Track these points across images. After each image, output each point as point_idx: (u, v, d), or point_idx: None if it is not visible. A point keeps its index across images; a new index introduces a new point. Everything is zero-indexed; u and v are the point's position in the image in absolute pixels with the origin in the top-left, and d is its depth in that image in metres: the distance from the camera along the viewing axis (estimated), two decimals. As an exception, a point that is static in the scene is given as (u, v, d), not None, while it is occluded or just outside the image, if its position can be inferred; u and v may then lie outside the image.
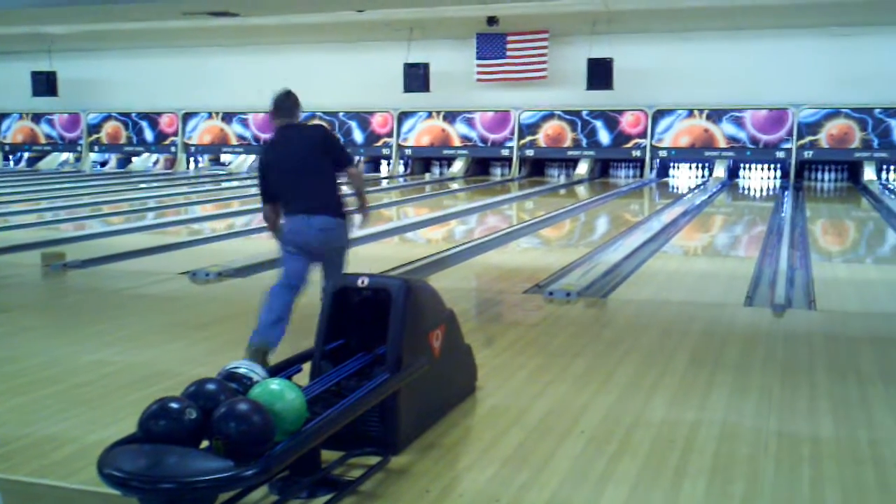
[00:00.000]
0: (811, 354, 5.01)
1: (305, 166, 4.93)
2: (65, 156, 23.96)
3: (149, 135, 23.00)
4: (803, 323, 5.87)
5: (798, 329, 5.67)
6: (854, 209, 14.33)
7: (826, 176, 18.23)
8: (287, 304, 4.86)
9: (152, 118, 22.93)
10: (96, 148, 23.54)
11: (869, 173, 17.33)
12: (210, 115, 22.38)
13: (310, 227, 4.86)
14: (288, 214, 4.98)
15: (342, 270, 4.93)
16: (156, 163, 23.16)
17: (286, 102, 5.11)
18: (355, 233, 5.29)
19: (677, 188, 17.54)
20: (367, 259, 6.80)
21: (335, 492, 3.05)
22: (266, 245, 9.80)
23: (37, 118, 24.01)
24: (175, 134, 22.70)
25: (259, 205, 5.21)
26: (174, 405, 2.65)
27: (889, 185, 16.81)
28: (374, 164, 21.12)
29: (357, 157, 20.51)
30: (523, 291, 6.87)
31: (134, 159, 23.20)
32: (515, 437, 3.66)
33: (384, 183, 18.47)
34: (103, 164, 23.58)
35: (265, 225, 5.24)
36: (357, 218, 5.22)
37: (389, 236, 10.38)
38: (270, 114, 5.10)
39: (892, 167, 17.68)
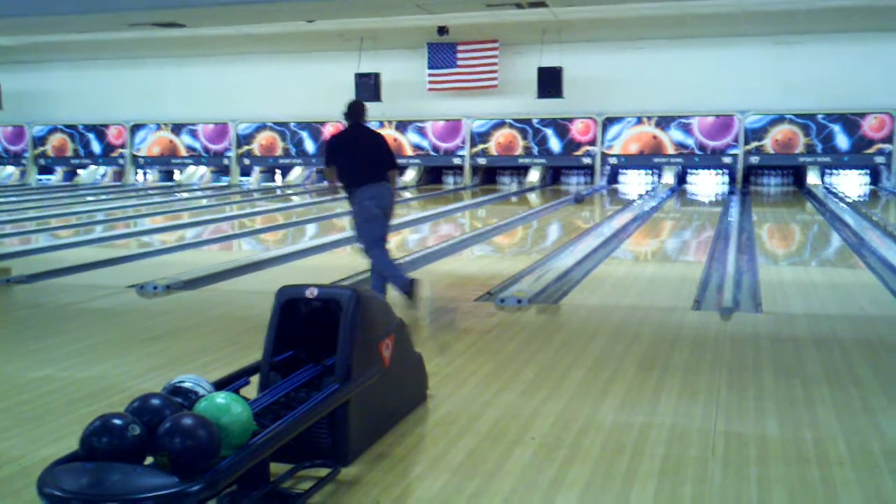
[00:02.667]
0: (758, 356, 5.09)
1: (370, 156, 6.62)
2: (9, 169, 23.51)
3: (96, 147, 22.67)
4: (750, 325, 5.96)
5: (745, 332, 5.75)
6: (799, 213, 14.60)
7: (772, 181, 18.59)
8: (388, 255, 6.63)
9: (100, 130, 22.61)
10: (42, 161, 23.13)
11: (813, 178, 17.71)
12: (159, 127, 22.12)
13: (384, 191, 6.57)
14: (361, 185, 6.51)
15: (388, 230, 6.73)
16: (104, 175, 22.81)
17: (357, 107, 6.77)
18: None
19: (627, 194, 17.72)
20: (318, 269, 6.77)
21: (285, 505, 3.02)
22: (215, 257, 9.74)
23: (-20, 131, 23.55)
24: (123, 146, 22.40)
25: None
26: (117, 421, 2.60)
27: (832, 189, 17.17)
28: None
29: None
30: (475, 299, 6.89)
31: (81, 172, 22.83)
32: (467, 444, 3.66)
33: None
34: (47, 170, 23.11)
35: (324, 185, 6.85)
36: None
37: (341, 246, 10.34)
38: (344, 114, 6.75)
39: (834, 171, 18.08)
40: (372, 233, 6.59)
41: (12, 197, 17.93)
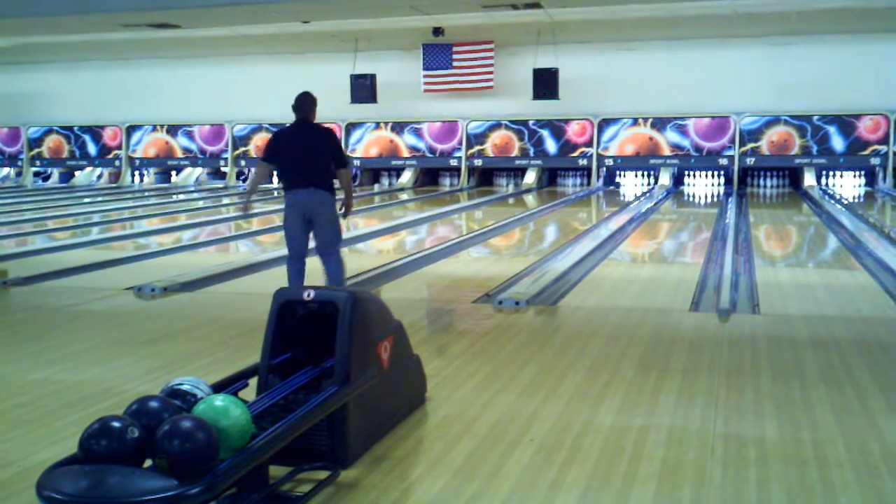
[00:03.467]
0: (755, 358, 5.09)
1: (314, 155, 6.42)
2: (5, 170, 23.47)
3: (92, 148, 22.63)
4: (748, 327, 5.96)
5: (742, 333, 5.76)
6: (795, 214, 14.63)
7: (768, 182, 18.61)
8: (301, 272, 6.54)
9: (95, 132, 22.57)
10: (38, 162, 23.08)
11: (809, 179, 17.73)
12: (155, 128, 22.09)
13: (312, 198, 6.37)
14: (291, 188, 6.40)
15: (333, 232, 6.52)
16: (100, 177, 22.79)
17: (305, 102, 6.54)
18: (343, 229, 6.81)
19: (624, 196, 17.73)
20: (315, 271, 6.76)
21: (284, 508, 3.02)
22: (212, 259, 9.72)
23: (-25, 133, 23.50)
24: (119, 147, 22.37)
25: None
26: (115, 424, 2.59)
27: (829, 191, 17.20)
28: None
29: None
30: (473, 301, 6.88)
31: (77, 173, 22.80)
32: (465, 447, 3.65)
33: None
34: (45, 177, 23.12)
35: (247, 186, 6.64)
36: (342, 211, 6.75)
37: (338, 248, 10.32)
38: (293, 107, 6.56)
39: (830, 173, 18.11)
40: (287, 240, 6.59)
41: (9, 199, 17.89)
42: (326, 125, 6.90)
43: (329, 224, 6.51)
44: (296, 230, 6.48)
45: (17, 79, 22.05)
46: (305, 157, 6.42)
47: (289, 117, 6.68)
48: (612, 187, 19.03)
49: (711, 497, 3.17)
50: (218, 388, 3.27)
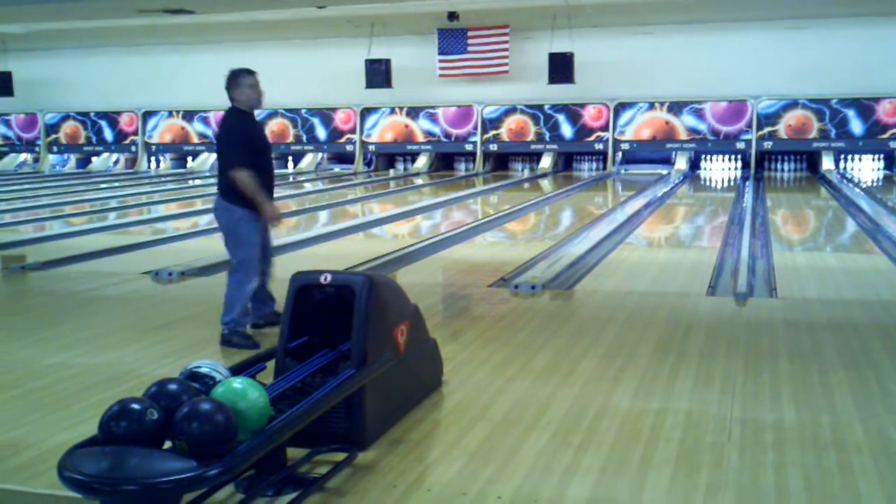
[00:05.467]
0: (773, 342, 5.07)
1: (218, 150, 5.27)
2: (23, 156, 23.59)
3: (108, 134, 22.70)
4: (765, 311, 5.93)
5: (760, 317, 5.73)
6: (813, 198, 14.51)
7: (785, 166, 18.47)
8: (232, 286, 5.15)
9: (112, 117, 22.63)
10: (55, 148, 23.19)
11: (827, 163, 17.58)
12: (171, 114, 22.13)
13: (215, 206, 5.29)
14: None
15: (234, 246, 5.16)
16: (116, 162, 22.87)
17: (227, 81, 5.27)
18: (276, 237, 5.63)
19: (638, 178, 17.65)
20: (331, 256, 6.76)
21: (301, 489, 3.03)
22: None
23: (-7, 119, 23.62)
24: (135, 133, 22.42)
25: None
26: (135, 406, 2.61)
27: (847, 175, 17.06)
28: (339, 160, 21.10)
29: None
30: (489, 285, 6.87)
31: (94, 159, 22.89)
32: (481, 430, 3.66)
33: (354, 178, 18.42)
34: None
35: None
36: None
37: (354, 232, 10.36)
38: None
39: (849, 156, 17.96)
40: None
41: (26, 184, 17.99)
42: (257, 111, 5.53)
43: (228, 236, 5.20)
44: (224, 239, 5.33)
45: (33, 65, 22.11)
46: (217, 152, 5.25)
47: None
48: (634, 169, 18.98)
49: (729, 481, 3.16)
50: (236, 370, 3.28)
